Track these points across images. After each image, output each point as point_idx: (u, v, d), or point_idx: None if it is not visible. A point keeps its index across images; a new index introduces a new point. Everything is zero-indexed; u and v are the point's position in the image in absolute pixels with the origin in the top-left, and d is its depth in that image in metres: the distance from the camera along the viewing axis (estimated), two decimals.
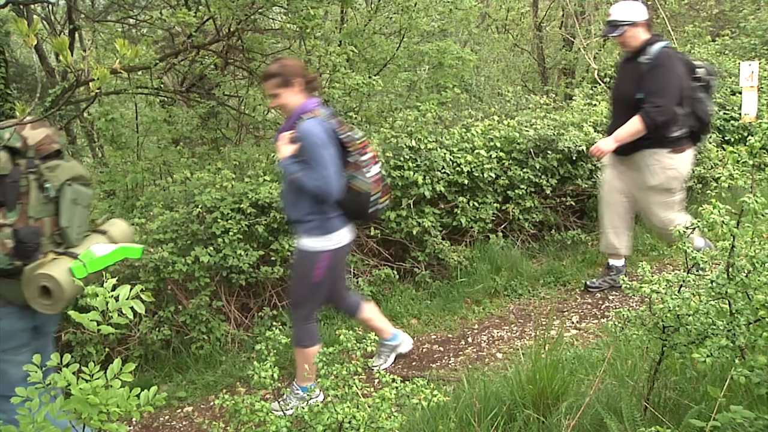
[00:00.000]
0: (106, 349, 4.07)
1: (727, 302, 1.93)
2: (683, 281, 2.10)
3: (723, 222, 1.87)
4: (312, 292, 3.50)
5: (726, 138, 7.26)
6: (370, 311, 3.88)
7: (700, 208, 2.08)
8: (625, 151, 4.34)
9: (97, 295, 1.76)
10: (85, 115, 7.09)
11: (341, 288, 3.76)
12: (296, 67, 3.41)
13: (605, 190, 4.69)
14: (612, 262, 4.84)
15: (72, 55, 6.82)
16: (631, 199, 4.56)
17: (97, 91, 1.83)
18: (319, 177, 3.19)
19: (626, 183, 4.53)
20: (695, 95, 4.25)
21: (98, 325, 1.75)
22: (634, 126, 4.17)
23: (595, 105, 6.84)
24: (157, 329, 4.23)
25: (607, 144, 4.30)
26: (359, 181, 3.33)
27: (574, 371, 3.17)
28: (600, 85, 8.59)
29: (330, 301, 3.77)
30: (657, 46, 4.21)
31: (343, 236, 3.43)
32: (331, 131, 3.30)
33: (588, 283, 4.88)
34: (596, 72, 9.33)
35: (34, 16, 9.14)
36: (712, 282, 1.91)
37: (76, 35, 8.43)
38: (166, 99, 7.02)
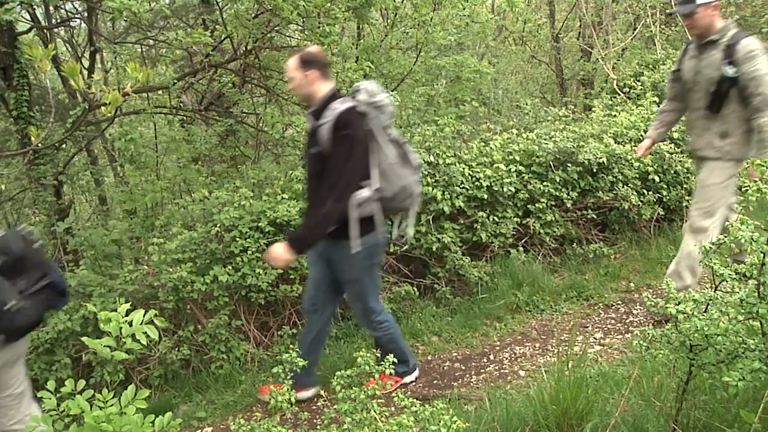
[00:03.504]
0: (125, 370, 4.06)
1: (758, 321, 1.86)
2: (710, 300, 2.03)
3: (752, 238, 1.80)
4: None
5: None
6: None
7: (728, 223, 2.01)
8: None
9: (111, 321, 1.75)
10: (106, 135, 7.16)
11: None
12: None
13: None
14: None
15: (93, 76, 6.91)
16: None
17: (110, 114, 1.82)
18: None
19: None
20: None
21: (112, 350, 1.73)
22: None
23: (614, 116, 6.75)
24: (176, 349, 4.21)
25: None
26: None
27: (599, 390, 3.09)
28: (619, 95, 8.52)
29: None
30: None
31: None
32: None
33: None
34: (615, 82, 9.26)
35: (58, 40, 9.31)
36: (741, 301, 1.84)
37: (97, 57, 8.56)
38: (184, 118, 7.08)
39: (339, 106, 3.16)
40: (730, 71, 3.85)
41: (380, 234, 3.39)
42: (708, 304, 2.08)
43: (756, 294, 1.84)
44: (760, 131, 3.82)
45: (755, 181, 1.95)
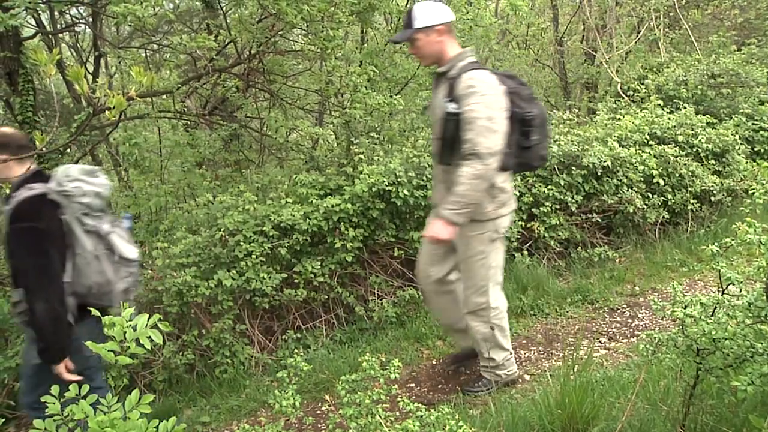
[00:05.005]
0: (129, 375, 4.06)
1: (766, 325, 1.84)
2: (718, 303, 2.02)
3: (760, 241, 1.79)
4: None
5: (755, 149, 7.13)
6: None
7: (734, 226, 2.00)
8: None
9: (115, 325, 1.74)
10: (110, 139, 7.18)
11: None
12: None
13: None
14: None
15: (97, 81, 6.91)
16: None
17: (115, 118, 1.84)
18: None
19: None
20: None
21: (116, 355, 1.73)
22: None
23: (619, 119, 6.74)
24: (180, 353, 4.21)
25: None
26: None
27: (605, 394, 3.07)
28: (624, 98, 8.50)
29: None
30: None
31: None
32: None
33: None
34: (619, 85, 9.25)
35: (63, 45, 9.35)
36: (749, 304, 1.83)
37: (102, 61, 8.59)
38: (189, 122, 7.09)
39: (24, 193, 2.72)
40: (451, 107, 3.09)
41: (81, 332, 2.82)
42: (715, 307, 2.06)
43: (764, 297, 1.82)
44: (457, 182, 3.06)
45: (761, 183, 1.93)
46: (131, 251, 2.95)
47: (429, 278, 3.61)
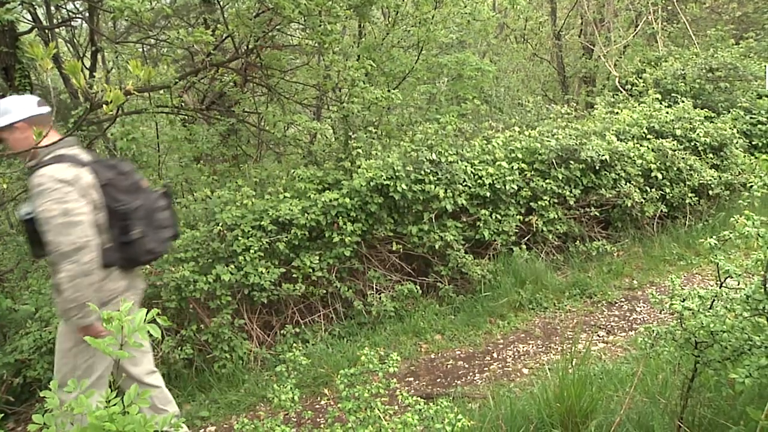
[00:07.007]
0: None
1: (764, 318, 1.85)
2: (716, 296, 2.02)
3: (758, 234, 1.79)
4: None
5: (753, 143, 7.14)
6: None
7: (732, 219, 2.00)
8: None
9: (113, 320, 1.74)
10: (108, 134, 7.16)
11: None
12: None
13: None
14: None
15: (94, 76, 6.87)
16: None
17: (113, 113, 1.83)
18: None
19: None
20: None
21: (114, 350, 1.72)
22: None
23: (617, 113, 6.74)
24: (179, 348, 4.21)
25: None
26: None
27: (603, 387, 3.08)
28: (621, 92, 8.50)
29: None
30: None
31: None
32: None
33: None
34: (617, 79, 9.24)
35: (59, 40, 9.30)
36: (747, 297, 1.83)
37: (98, 57, 8.55)
38: (186, 117, 7.06)
39: None
40: (23, 211, 2.81)
41: None
42: (713, 300, 2.06)
43: (762, 290, 1.82)
44: (56, 290, 2.72)
45: (760, 176, 1.93)
46: None
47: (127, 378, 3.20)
